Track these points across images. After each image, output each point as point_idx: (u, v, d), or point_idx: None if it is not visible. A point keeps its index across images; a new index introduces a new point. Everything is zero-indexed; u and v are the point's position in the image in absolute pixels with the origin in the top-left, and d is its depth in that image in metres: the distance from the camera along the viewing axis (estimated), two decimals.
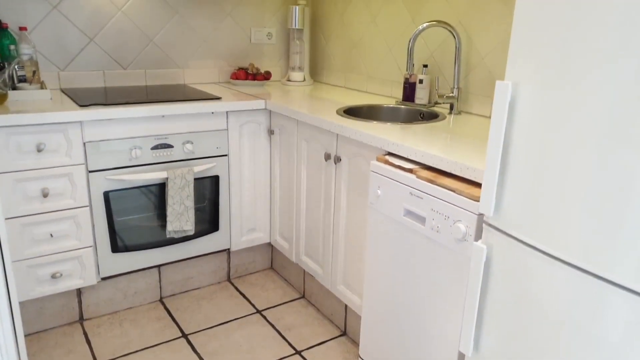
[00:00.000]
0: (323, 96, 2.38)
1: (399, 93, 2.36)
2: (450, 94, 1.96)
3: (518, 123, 1.04)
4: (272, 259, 2.56)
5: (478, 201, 1.22)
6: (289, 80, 2.76)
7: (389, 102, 2.24)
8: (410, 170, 1.44)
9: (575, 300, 0.96)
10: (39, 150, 1.77)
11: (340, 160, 1.83)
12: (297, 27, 2.63)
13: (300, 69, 2.76)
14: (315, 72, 2.91)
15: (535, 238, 1.03)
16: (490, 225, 1.15)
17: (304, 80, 2.76)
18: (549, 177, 0.98)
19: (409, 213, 1.44)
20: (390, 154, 1.58)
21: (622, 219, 0.86)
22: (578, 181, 0.93)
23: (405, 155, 1.49)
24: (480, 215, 1.22)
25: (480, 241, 1.17)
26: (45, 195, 1.81)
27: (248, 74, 2.64)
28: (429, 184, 1.36)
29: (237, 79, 2.62)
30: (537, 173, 1.01)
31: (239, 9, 2.65)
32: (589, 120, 0.90)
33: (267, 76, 2.67)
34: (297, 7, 2.59)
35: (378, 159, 1.57)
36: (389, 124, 1.76)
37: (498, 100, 1.05)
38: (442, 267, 1.36)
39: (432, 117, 1.97)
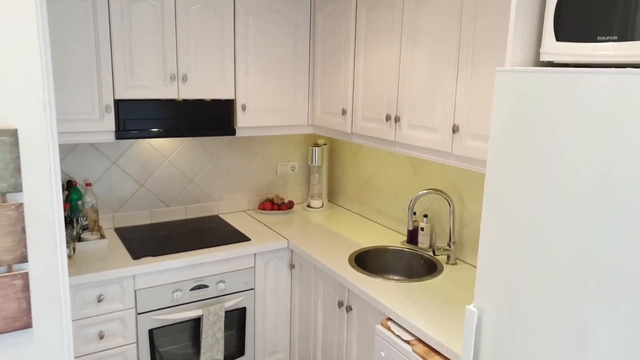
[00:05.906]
0: (339, 230, 2.71)
1: (404, 229, 2.68)
2: (447, 247, 2.27)
3: (484, 335, 1.33)
4: None
5: None
6: (309, 207, 3.11)
7: (395, 241, 2.55)
8: (407, 342, 1.72)
9: None
10: (99, 301, 2.12)
11: (352, 309, 2.12)
12: (316, 164, 3.02)
13: (319, 196, 3.12)
14: (332, 195, 3.26)
15: None
16: None
17: (322, 206, 3.11)
18: None
19: None
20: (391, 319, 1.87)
21: None
22: None
23: (404, 325, 1.78)
24: None
25: None
26: (101, 337, 2.14)
27: (274, 205, 3.01)
28: None
29: (264, 209, 2.99)
30: None
31: (267, 149, 3.07)
32: (537, 340, 1.18)
33: (290, 205, 3.03)
34: (316, 148, 2.99)
35: (382, 324, 1.86)
36: (393, 282, 2.06)
37: (468, 321, 1.35)
38: None
39: (432, 267, 2.27)
